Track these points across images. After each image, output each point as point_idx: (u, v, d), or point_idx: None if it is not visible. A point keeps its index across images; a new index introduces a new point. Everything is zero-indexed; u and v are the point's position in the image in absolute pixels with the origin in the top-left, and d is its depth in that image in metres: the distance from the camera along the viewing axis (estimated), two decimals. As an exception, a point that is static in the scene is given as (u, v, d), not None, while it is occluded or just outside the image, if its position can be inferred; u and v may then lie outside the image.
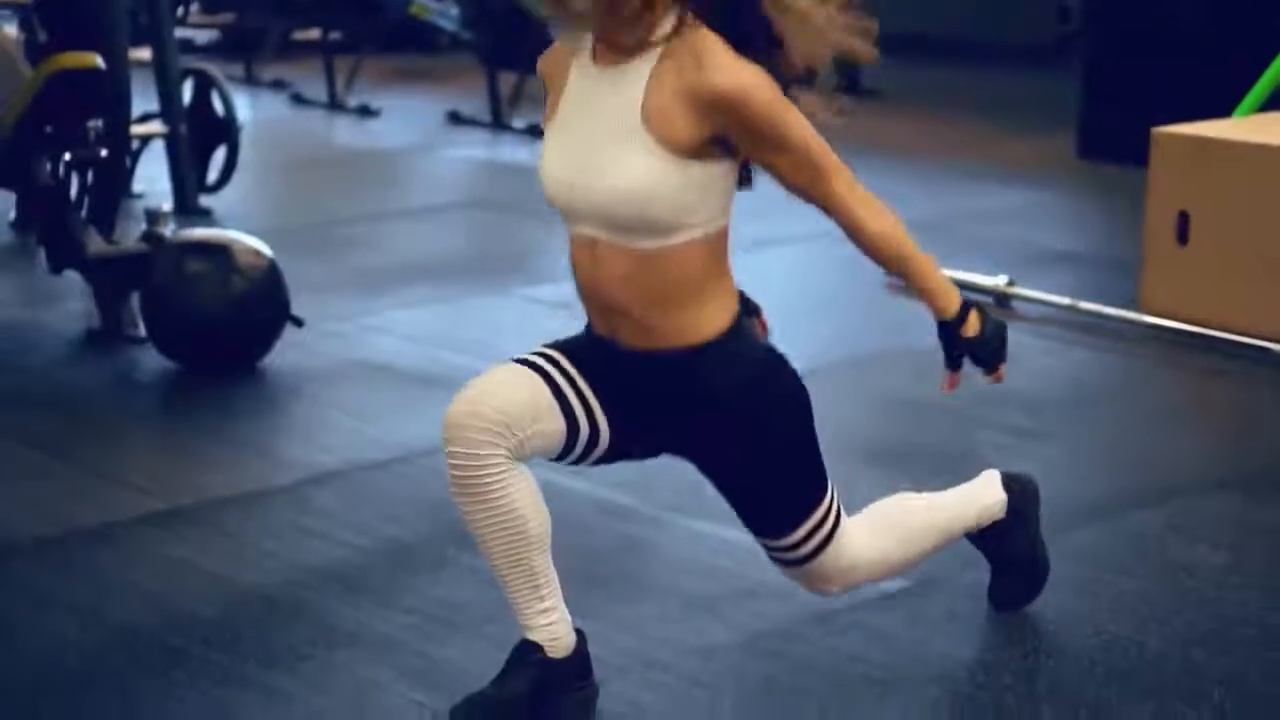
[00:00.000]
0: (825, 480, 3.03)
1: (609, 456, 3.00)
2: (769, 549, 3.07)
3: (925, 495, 3.32)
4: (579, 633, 3.04)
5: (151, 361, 5.01)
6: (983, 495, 3.37)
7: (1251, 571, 3.67)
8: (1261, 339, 5.13)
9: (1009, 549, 3.42)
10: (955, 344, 3.01)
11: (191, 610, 3.46)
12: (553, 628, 2.98)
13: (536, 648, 2.98)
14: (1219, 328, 5.24)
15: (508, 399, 2.85)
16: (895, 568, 3.22)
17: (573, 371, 2.93)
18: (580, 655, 3.03)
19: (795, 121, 2.80)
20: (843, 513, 3.08)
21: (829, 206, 2.89)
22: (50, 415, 4.64)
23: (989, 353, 3.02)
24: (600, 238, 2.83)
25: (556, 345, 2.98)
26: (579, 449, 2.95)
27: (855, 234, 2.92)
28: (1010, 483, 3.41)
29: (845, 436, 4.36)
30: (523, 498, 2.88)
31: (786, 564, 3.08)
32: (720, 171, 2.80)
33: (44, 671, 3.21)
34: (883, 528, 3.18)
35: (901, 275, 2.98)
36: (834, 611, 3.45)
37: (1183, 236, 5.43)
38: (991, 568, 3.45)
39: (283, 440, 4.50)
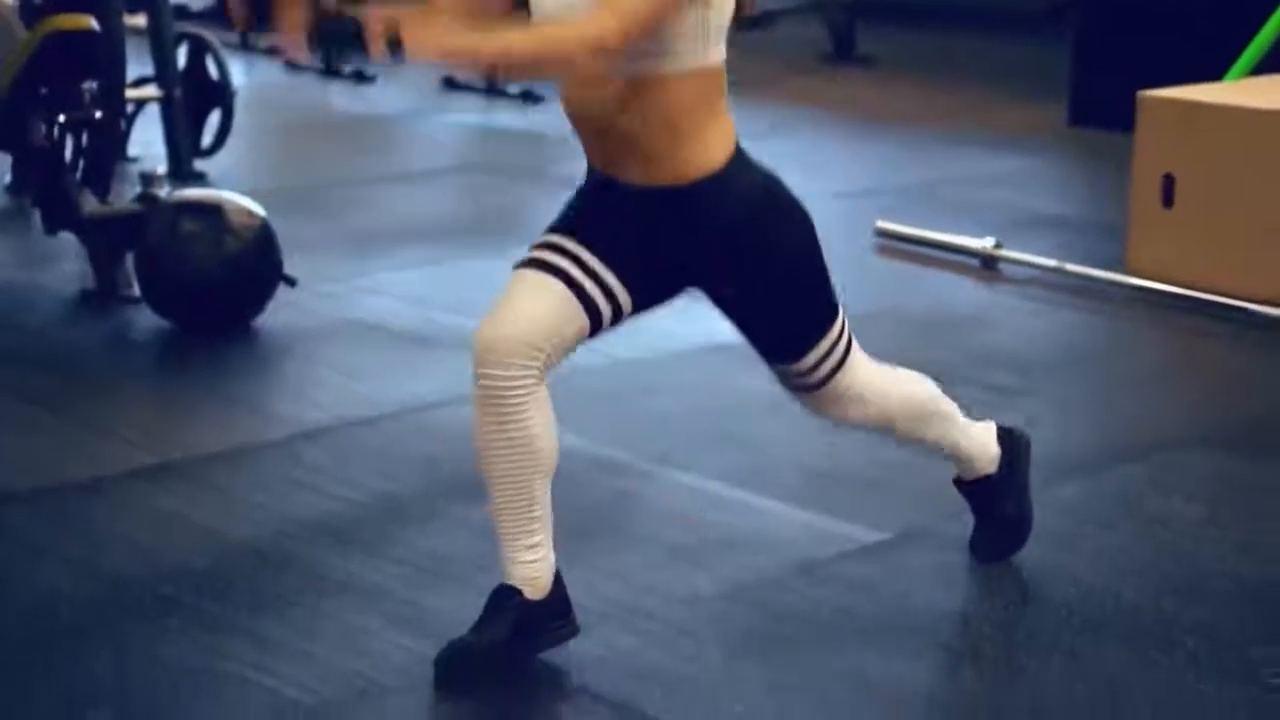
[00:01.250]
0: (835, 306, 3.14)
1: (637, 313, 3.10)
2: (781, 375, 3.18)
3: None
4: (557, 573, 3.09)
5: (145, 321, 5.06)
6: (980, 437, 3.44)
7: (1228, 525, 3.73)
8: (1245, 300, 5.18)
9: (996, 503, 3.48)
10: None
11: (182, 561, 3.51)
12: (535, 565, 3.05)
13: (515, 592, 3.04)
14: (1203, 289, 5.28)
15: (532, 316, 2.94)
16: (891, 423, 3.31)
17: (583, 255, 2.98)
18: (558, 596, 3.09)
19: None
20: (854, 342, 3.20)
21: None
22: (45, 372, 4.69)
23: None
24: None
25: (561, 227, 3.04)
26: (606, 327, 3.05)
27: None
28: (1004, 436, 3.48)
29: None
30: (540, 420, 2.97)
31: (798, 389, 3.21)
32: None
33: (37, 620, 3.26)
34: (897, 383, 3.30)
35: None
36: (817, 562, 3.50)
37: (1168, 199, 5.48)
38: (976, 519, 3.51)
39: (274, 397, 4.55)
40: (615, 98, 2.90)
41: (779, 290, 3.07)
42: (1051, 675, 3.08)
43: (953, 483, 3.49)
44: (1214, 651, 3.16)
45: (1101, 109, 7.79)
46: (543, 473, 3.01)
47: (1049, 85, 8.49)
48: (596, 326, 3.02)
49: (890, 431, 3.35)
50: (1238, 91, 5.61)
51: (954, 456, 3.45)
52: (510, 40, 2.87)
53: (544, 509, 3.04)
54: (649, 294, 3.08)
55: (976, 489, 3.47)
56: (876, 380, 3.25)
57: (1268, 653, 3.15)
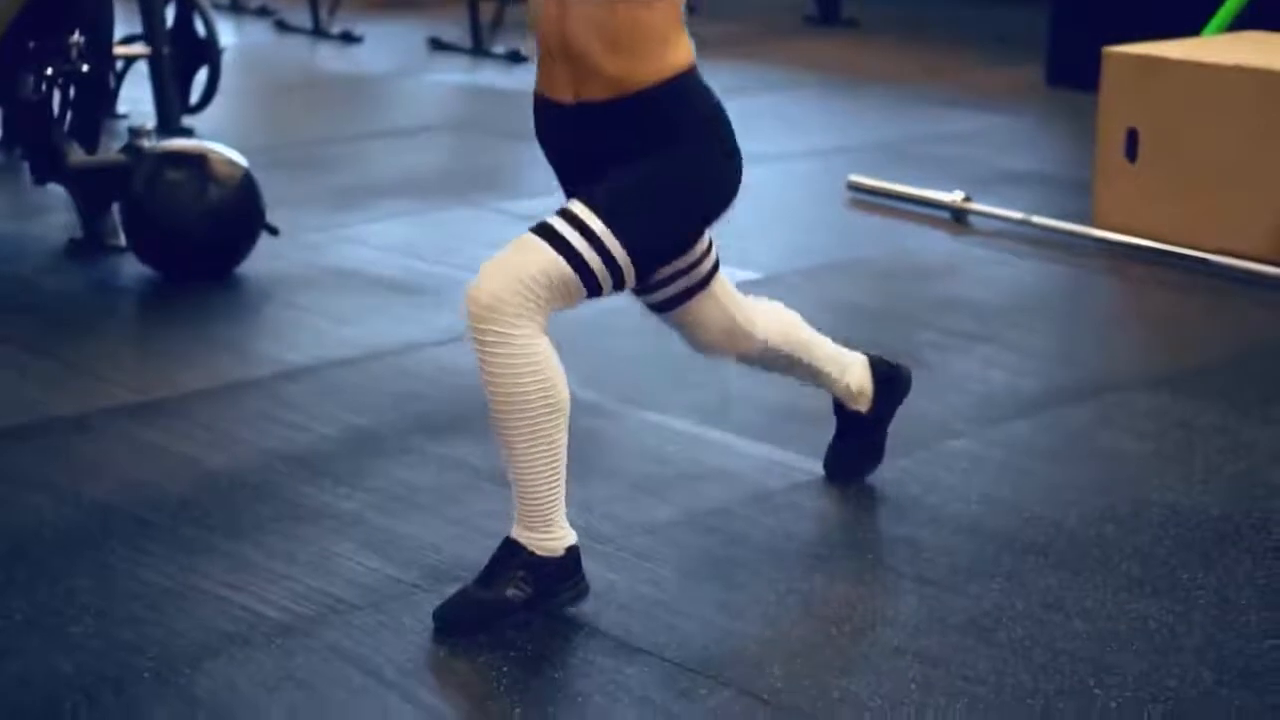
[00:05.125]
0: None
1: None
2: (561, 215, 3.07)
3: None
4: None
5: (131, 268, 5.19)
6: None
7: (1170, 459, 3.87)
8: (1202, 251, 5.32)
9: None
10: None
11: (163, 490, 3.65)
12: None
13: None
14: (1164, 241, 5.42)
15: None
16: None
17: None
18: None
19: None
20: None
21: None
22: (32, 317, 4.83)
23: None
24: None
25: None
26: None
27: None
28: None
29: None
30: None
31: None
32: None
33: (20, 542, 3.40)
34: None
35: None
36: (772, 492, 3.65)
37: (1131, 153, 5.61)
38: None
39: (256, 340, 4.69)
40: (588, 19, 3.01)
41: (651, 182, 3.06)
42: (992, 594, 3.22)
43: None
44: (1148, 574, 3.30)
45: (1078, 69, 7.88)
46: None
47: (1030, 47, 8.62)
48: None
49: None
50: (1199, 47, 5.74)
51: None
52: None
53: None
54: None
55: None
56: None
57: (1194, 574, 3.30)
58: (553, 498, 3.08)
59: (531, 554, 3.08)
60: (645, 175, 3.06)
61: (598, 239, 3.01)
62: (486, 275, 2.98)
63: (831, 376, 3.62)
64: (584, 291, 3.04)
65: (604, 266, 3.02)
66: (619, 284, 3.07)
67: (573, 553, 3.12)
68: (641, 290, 3.33)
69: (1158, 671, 2.94)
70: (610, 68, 3.05)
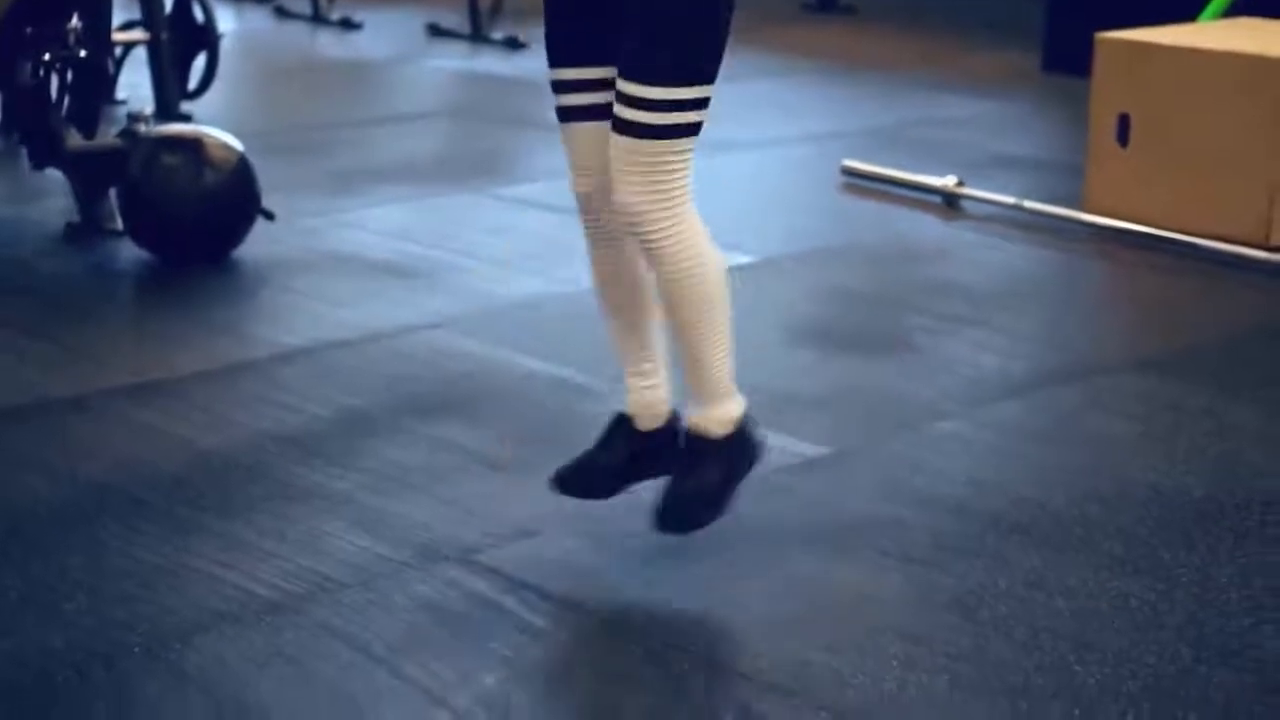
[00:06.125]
0: (705, 74, 3.10)
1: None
2: (622, 101, 3.06)
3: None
4: (673, 412, 3.33)
5: (128, 252, 5.23)
6: (728, 386, 3.26)
7: (1156, 440, 3.90)
8: (1192, 235, 5.35)
9: (706, 465, 3.28)
10: None
11: (157, 469, 3.69)
12: (648, 392, 3.31)
13: (627, 419, 3.32)
14: (1155, 225, 5.45)
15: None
16: (670, 261, 3.13)
17: (583, 75, 3.16)
18: (669, 431, 3.32)
19: None
20: (688, 188, 3.15)
21: None
22: (29, 300, 4.86)
23: None
24: None
25: (553, 60, 3.22)
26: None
27: None
28: (746, 423, 3.31)
29: (783, 319, 4.62)
30: (705, 238, 3.14)
31: (625, 128, 3.06)
32: None
33: (16, 520, 3.44)
34: (706, 243, 3.17)
35: None
36: (761, 474, 3.65)
37: (1123, 138, 5.64)
38: (673, 482, 3.28)
39: (252, 323, 4.72)
40: None
41: (665, 6, 3.05)
42: (975, 573, 3.25)
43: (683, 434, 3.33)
44: (1130, 553, 3.34)
45: (1074, 55, 7.89)
46: (648, 313, 3.26)
47: (1026, 33, 8.64)
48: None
49: (681, 306, 3.18)
50: (1191, 34, 5.76)
51: (695, 375, 3.24)
52: None
53: (656, 345, 3.30)
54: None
55: (695, 443, 3.28)
56: (696, 230, 3.14)
57: (1176, 554, 3.33)
58: (730, 364, 3.25)
59: (725, 434, 3.26)
60: (656, 12, 3.05)
61: (667, 102, 3.06)
62: (623, 189, 3.09)
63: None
64: (695, 136, 3.13)
65: (690, 109, 3.09)
66: (707, 103, 3.14)
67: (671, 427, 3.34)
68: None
69: (1137, 648, 2.97)
70: None
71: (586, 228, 3.28)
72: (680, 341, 3.23)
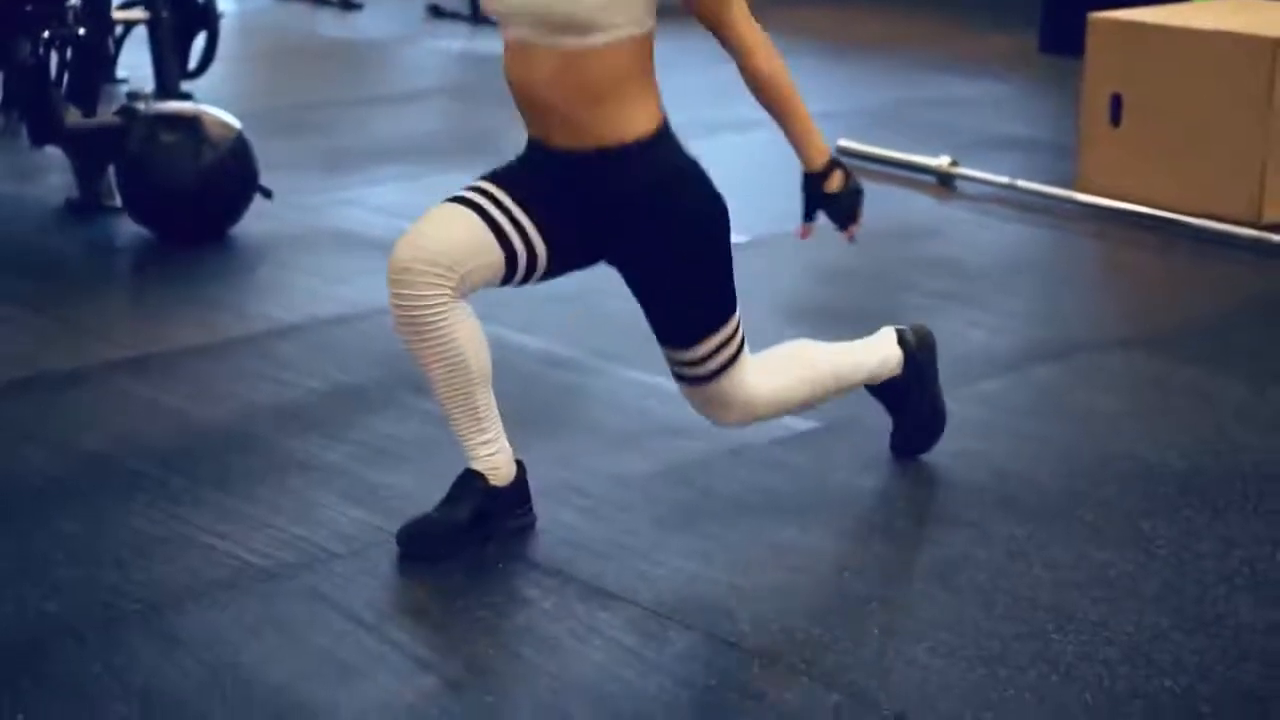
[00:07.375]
0: (734, 300, 3.27)
1: (552, 272, 3.26)
2: (675, 364, 3.33)
3: (826, 344, 3.57)
4: (519, 464, 3.32)
5: (127, 229, 5.28)
6: (880, 348, 3.60)
7: (1140, 415, 3.95)
8: (1183, 214, 5.39)
9: (907, 402, 3.65)
10: (814, 197, 3.29)
11: (153, 442, 3.74)
12: (494, 458, 3.27)
13: (478, 476, 3.26)
14: (1147, 204, 5.49)
15: (447, 239, 3.13)
16: (792, 405, 3.46)
17: (506, 200, 3.18)
18: (519, 484, 3.32)
19: None
20: (746, 345, 3.34)
21: (728, 33, 3.16)
22: (29, 276, 4.91)
23: (842, 210, 3.29)
24: (532, 40, 3.08)
25: (490, 176, 3.24)
26: (520, 273, 3.21)
27: (747, 66, 3.19)
28: (905, 336, 3.64)
29: (776, 299, 4.66)
30: (463, 334, 3.16)
31: (690, 381, 3.33)
32: None
33: (13, 490, 3.50)
34: (782, 367, 3.43)
35: (780, 118, 3.24)
36: (747, 446, 3.72)
37: (1116, 118, 5.68)
38: (892, 418, 3.69)
39: (249, 299, 4.77)
40: (552, 70, 3.07)
41: (681, 270, 3.21)
42: (957, 544, 3.30)
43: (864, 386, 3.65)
44: (1110, 524, 3.39)
45: (1071, 36, 7.92)
46: (479, 382, 3.20)
47: (1025, 15, 8.66)
48: (512, 266, 3.17)
49: (795, 410, 3.51)
50: (1183, 13, 5.80)
51: (871, 380, 3.59)
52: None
53: (489, 409, 3.24)
54: (566, 255, 3.23)
55: (883, 391, 3.63)
56: (760, 382, 3.36)
57: (1156, 525, 3.38)
58: (871, 362, 3.61)
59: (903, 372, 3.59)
60: (684, 275, 3.22)
61: (715, 348, 3.27)
62: (724, 420, 3.42)
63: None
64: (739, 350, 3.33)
65: (733, 335, 3.29)
66: (741, 328, 3.32)
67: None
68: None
69: (1114, 617, 3.02)
70: (574, 118, 3.11)
71: (394, 307, 3.17)
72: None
